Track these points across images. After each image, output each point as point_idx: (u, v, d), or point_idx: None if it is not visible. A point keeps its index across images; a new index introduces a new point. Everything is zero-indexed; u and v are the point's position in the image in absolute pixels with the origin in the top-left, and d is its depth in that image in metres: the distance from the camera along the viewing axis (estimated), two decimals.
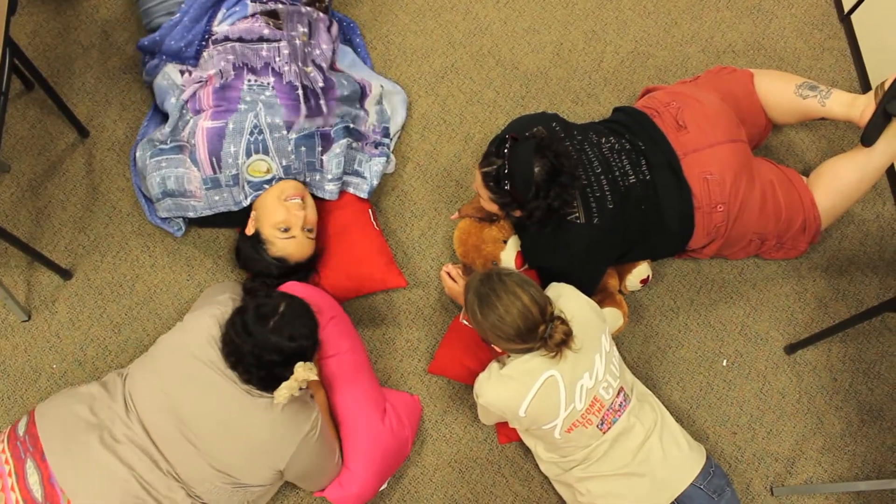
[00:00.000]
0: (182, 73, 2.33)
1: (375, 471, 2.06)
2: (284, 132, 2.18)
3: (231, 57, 2.25)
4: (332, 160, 2.26)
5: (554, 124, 2.17)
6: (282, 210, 2.14)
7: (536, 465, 2.22)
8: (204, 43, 2.31)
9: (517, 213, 2.03)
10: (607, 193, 2.07)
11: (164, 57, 2.36)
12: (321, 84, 2.32)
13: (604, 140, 2.17)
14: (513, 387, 1.86)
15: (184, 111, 2.27)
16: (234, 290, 2.16)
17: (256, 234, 2.18)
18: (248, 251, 2.20)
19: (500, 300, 1.78)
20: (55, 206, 2.42)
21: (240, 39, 2.28)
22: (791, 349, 2.39)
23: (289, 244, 2.15)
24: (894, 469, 2.29)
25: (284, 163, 2.19)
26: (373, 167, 2.39)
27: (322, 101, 2.28)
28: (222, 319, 1.86)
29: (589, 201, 2.05)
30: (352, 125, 2.35)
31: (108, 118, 2.54)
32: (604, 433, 1.92)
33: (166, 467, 1.79)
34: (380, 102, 2.54)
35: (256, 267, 2.19)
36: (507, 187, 1.96)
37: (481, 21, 2.77)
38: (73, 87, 2.57)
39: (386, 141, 2.49)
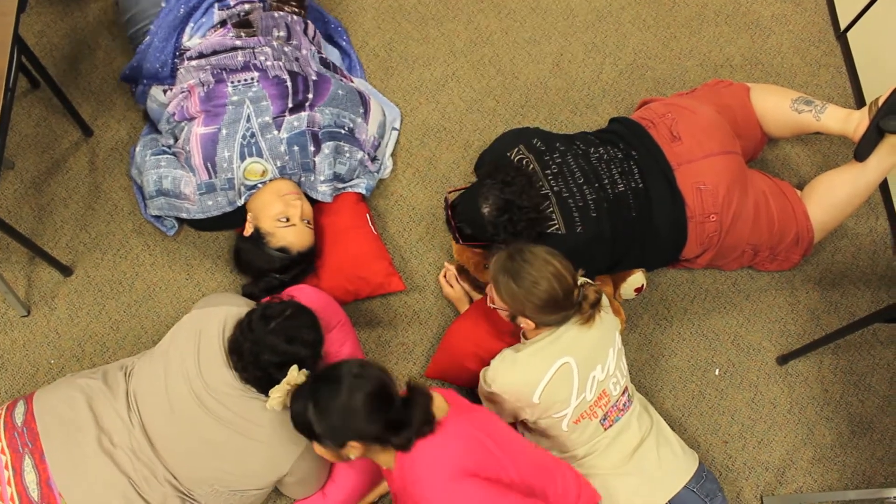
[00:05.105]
0: (165, 91, 2.36)
1: (358, 482, 2.07)
2: (276, 132, 2.20)
3: (207, 67, 2.28)
4: (324, 161, 2.28)
5: (535, 140, 2.22)
6: (279, 202, 2.17)
7: None
8: (177, 59, 2.33)
9: (501, 245, 2.06)
10: (590, 203, 2.11)
11: (146, 82, 2.40)
12: (314, 77, 2.33)
13: (592, 150, 2.21)
14: (528, 371, 1.86)
15: (172, 123, 2.31)
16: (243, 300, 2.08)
17: (256, 231, 2.19)
18: (248, 249, 2.20)
19: (532, 267, 1.80)
20: (58, 203, 2.45)
21: (213, 53, 2.30)
22: (783, 360, 2.41)
23: (289, 232, 2.17)
24: (883, 480, 2.31)
25: (279, 164, 2.22)
26: (368, 180, 2.44)
27: (311, 94, 2.28)
28: (235, 318, 1.86)
29: (571, 211, 2.09)
30: (344, 131, 2.34)
31: (111, 118, 2.57)
32: (605, 429, 1.94)
33: (163, 473, 1.80)
34: (382, 126, 2.53)
35: (258, 263, 2.19)
36: (469, 236, 2.12)
37: (483, 31, 2.81)
38: (78, 86, 2.60)
39: (377, 163, 2.53)
